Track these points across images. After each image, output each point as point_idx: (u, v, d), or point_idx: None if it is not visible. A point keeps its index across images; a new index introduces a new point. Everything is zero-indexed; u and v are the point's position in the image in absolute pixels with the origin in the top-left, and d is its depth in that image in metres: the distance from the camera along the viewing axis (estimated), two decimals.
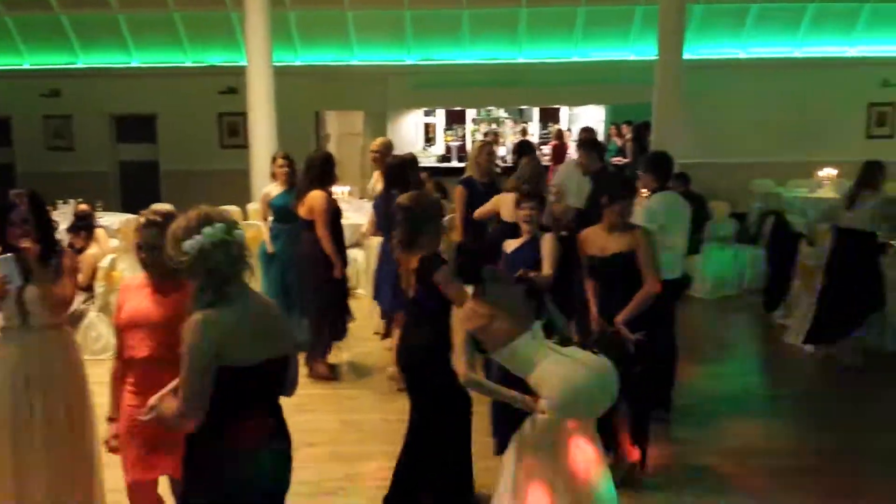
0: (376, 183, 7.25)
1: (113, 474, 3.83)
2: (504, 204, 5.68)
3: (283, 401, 2.89)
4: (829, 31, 13.59)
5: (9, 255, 3.51)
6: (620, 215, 4.44)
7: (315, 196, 6.08)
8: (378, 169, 7.11)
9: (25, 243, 3.56)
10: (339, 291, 6.38)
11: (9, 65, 14.02)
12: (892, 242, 7.10)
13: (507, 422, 4.08)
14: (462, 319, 3.64)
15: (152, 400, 2.98)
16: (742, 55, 13.84)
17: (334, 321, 6.35)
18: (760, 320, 8.16)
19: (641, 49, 13.38)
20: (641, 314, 4.35)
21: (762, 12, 13.32)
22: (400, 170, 6.22)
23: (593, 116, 15.64)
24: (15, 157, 14.37)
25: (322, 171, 6.20)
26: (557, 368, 3.50)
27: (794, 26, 13.58)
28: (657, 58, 10.80)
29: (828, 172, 11.70)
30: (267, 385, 2.77)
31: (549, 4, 13.15)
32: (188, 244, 2.61)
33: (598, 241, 4.51)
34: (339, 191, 9.40)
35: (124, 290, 3.37)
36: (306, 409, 5.74)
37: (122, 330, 3.27)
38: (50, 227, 3.70)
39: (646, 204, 5.36)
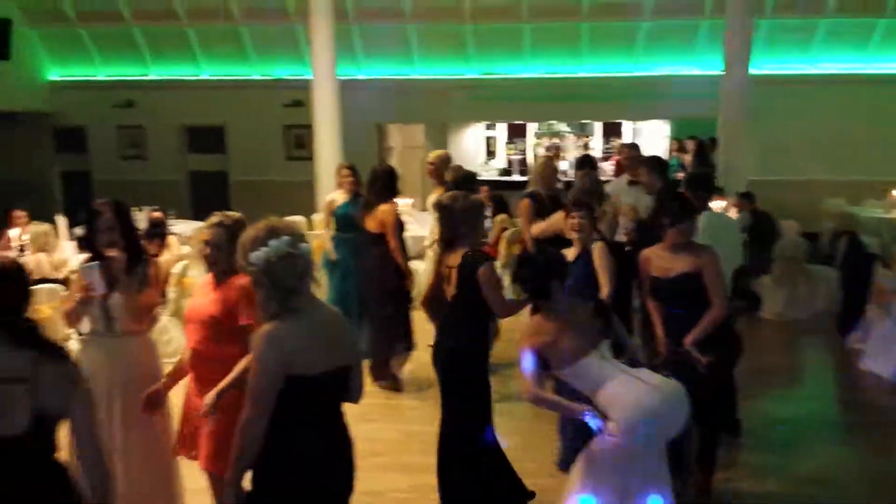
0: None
1: (189, 474, 3.94)
2: (561, 222, 5.67)
3: (347, 410, 2.93)
4: None
5: (95, 263, 3.63)
6: (683, 236, 4.32)
7: (385, 210, 6.18)
8: (434, 180, 7.15)
9: (112, 252, 3.65)
10: (405, 303, 6.45)
11: (85, 76, 14.54)
12: None
13: (574, 438, 4.05)
14: (527, 335, 3.59)
15: (208, 398, 3.25)
16: (811, 70, 13.52)
17: (399, 333, 6.40)
18: (834, 344, 7.90)
19: (706, 63, 13.18)
20: (710, 336, 4.23)
21: (832, 27, 13.00)
22: (464, 183, 6.28)
23: (657, 131, 15.46)
24: (91, 166, 14.87)
25: (387, 184, 6.29)
26: (628, 390, 3.42)
27: (864, 41, 13.21)
28: (722, 72, 10.63)
29: None
30: (332, 393, 2.83)
31: (612, 19, 13.07)
32: (254, 256, 2.69)
33: (662, 261, 4.36)
34: (401, 203, 9.49)
35: (195, 289, 3.63)
36: (370, 419, 5.78)
37: (186, 321, 3.54)
38: (135, 235, 3.80)
39: None
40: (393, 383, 6.47)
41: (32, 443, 2.31)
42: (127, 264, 3.68)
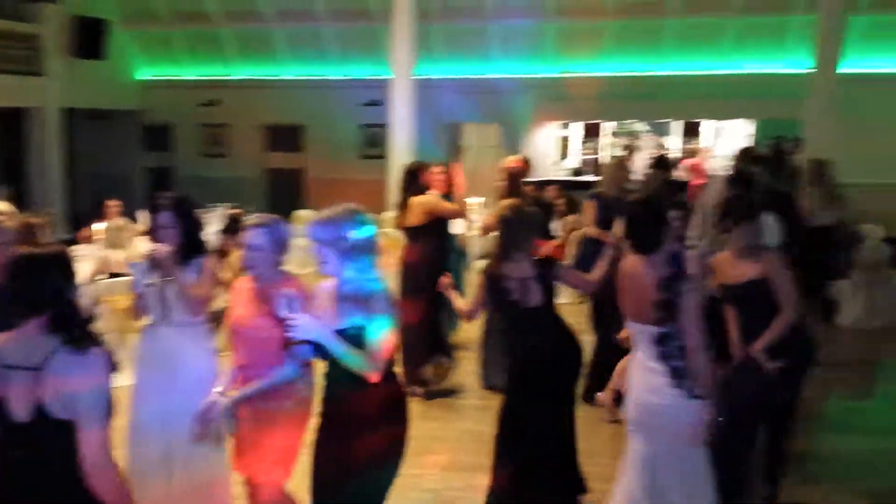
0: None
1: None
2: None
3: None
4: None
5: (139, 262, 3.79)
6: (746, 239, 4.16)
7: (419, 200, 5.99)
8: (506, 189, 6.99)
9: (165, 245, 3.72)
10: (437, 306, 6.05)
11: (172, 75, 15.10)
12: None
13: None
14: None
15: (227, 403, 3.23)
16: None
17: (433, 337, 6.18)
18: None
19: (795, 62, 12.70)
20: (783, 342, 4.07)
21: None
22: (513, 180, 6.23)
23: (740, 131, 14.97)
24: (175, 162, 15.43)
25: (414, 179, 6.12)
26: None
27: None
28: (811, 70, 10.23)
29: None
30: None
31: (698, 15, 12.75)
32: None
33: (730, 267, 4.21)
34: (474, 202, 9.47)
35: (233, 291, 3.52)
36: (429, 417, 5.82)
37: (230, 332, 3.47)
38: (195, 230, 3.84)
39: None
40: (423, 391, 6.22)
41: (36, 434, 2.29)
42: (182, 256, 3.73)
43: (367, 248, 2.94)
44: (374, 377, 2.84)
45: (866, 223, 9.08)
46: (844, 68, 10.42)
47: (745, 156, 6.51)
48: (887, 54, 12.79)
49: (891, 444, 5.45)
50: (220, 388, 3.37)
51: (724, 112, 14.27)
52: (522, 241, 4.04)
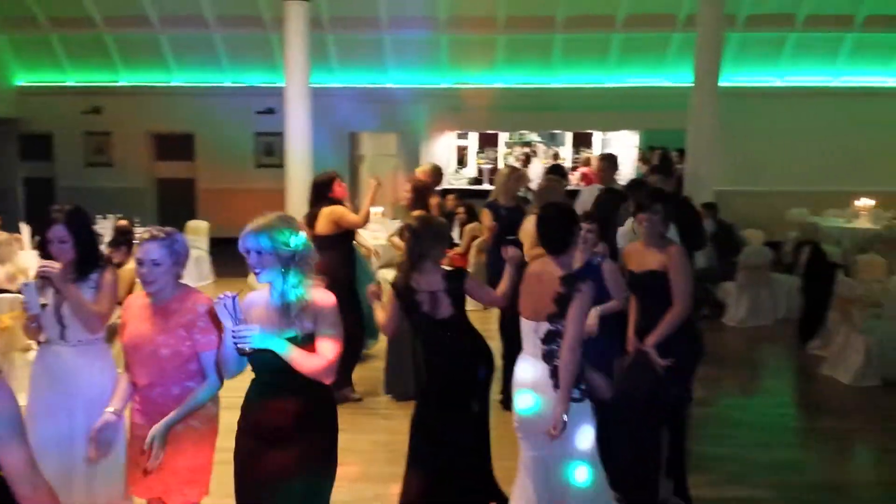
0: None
1: None
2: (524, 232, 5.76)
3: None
4: (867, 60, 13.49)
5: (31, 282, 3.57)
6: (651, 230, 4.32)
7: (327, 210, 6.08)
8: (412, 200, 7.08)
9: (61, 261, 3.55)
10: (357, 310, 6.24)
11: (52, 81, 14.38)
12: None
13: None
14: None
15: (153, 431, 3.09)
16: (779, 83, 13.76)
17: (357, 342, 6.25)
18: (795, 351, 8.05)
19: (677, 75, 13.37)
20: (674, 338, 4.23)
21: (800, 41, 13.27)
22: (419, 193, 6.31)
23: (626, 142, 15.59)
24: (56, 172, 14.68)
25: (325, 190, 6.20)
26: None
27: (832, 55, 13.50)
28: (693, 84, 10.78)
29: (865, 203, 11.58)
30: None
31: (585, 31, 13.21)
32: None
33: (637, 256, 4.41)
34: (372, 211, 9.48)
35: (126, 308, 3.36)
36: (340, 429, 5.76)
37: (125, 352, 3.30)
38: (91, 242, 3.68)
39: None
40: (350, 395, 6.36)
41: None
42: (79, 272, 3.58)
43: (303, 257, 2.95)
44: (328, 380, 2.93)
45: (748, 228, 9.65)
46: (723, 82, 11.02)
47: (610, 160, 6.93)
48: (763, 69, 13.64)
49: (774, 437, 5.80)
50: (112, 408, 3.25)
51: (611, 123, 14.82)
52: (431, 251, 4.07)
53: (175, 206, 14.16)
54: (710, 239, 9.03)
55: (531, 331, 3.68)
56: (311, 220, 6.11)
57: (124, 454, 3.51)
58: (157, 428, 3.10)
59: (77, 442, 3.53)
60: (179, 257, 3.25)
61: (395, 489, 4.73)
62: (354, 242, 6.57)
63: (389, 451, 5.23)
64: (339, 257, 6.07)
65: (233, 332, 2.77)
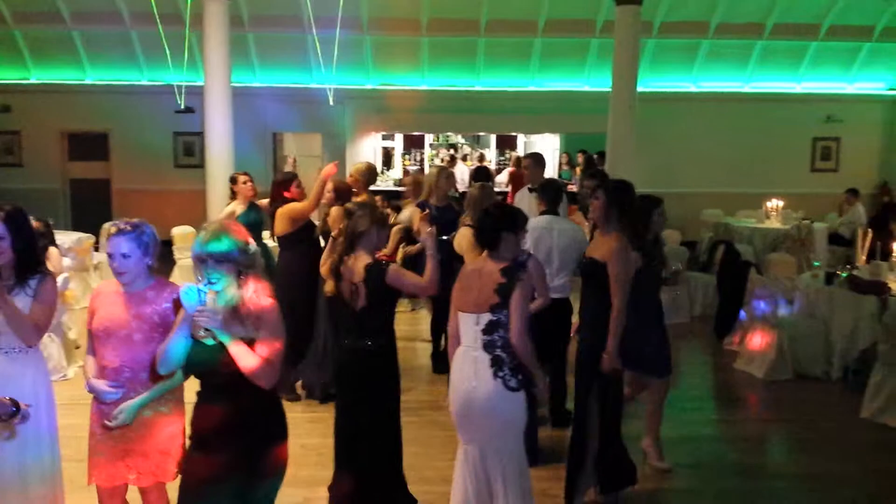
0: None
1: (82, 497, 3.78)
2: (462, 237, 5.81)
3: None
4: (776, 67, 14.10)
5: None
6: (600, 217, 4.39)
7: (284, 209, 6.10)
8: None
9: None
10: (312, 311, 6.25)
11: None
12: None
13: None
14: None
15: (122, 406, 3.17)
16: (693, 89, 14.23)
17: (305, 342, 6.25)
18: (711, 346, 8.34)
19: (596, 80, 13.67)
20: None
21: (713, 48, 13.75)
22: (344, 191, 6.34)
23: (549, 145, 15.86)
24: None
25: (279, 191, 6.28)
26: None
27: (743, 62, 14.04)
28: (611, 89, 11.05)
29: (775, 204, 12.09)
30: None
31: (507, 35, 13.37)
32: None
33: (594, 242, 4.54)
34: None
35: (96, 295, 3.37)
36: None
37: (94, 337, 3.30)
38: (31, 245, 3.49)
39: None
40: (294, 395, 6.36)
41: None
42: (17, 276, 3.42)
43: (247, 263, 2.96)
44: (265, 383, 2.92)
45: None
46: (641, 87, 11.34)
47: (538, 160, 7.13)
48: (678, 74, 14.08)
49: (692, 429, 6.00)
50: (26, 404, 3.15)
51: (534, 126, 15.09)
52: (366, 236, 4.10)
53: (89, 207, 13.73)
54: None
55: (472, 323, 3.68)
56: (272, 220, 6.22)
57: (59, 459, 3.55)
58: (127, 404, 3.18)
59: (6, 452, 3.39)
60: (149, 248, 3.26)
61: (321, 492, 4.72)
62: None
63: (318, 454, 5.18)
64: (297, 256, 6.11)
65: (198, 310, 2.81)
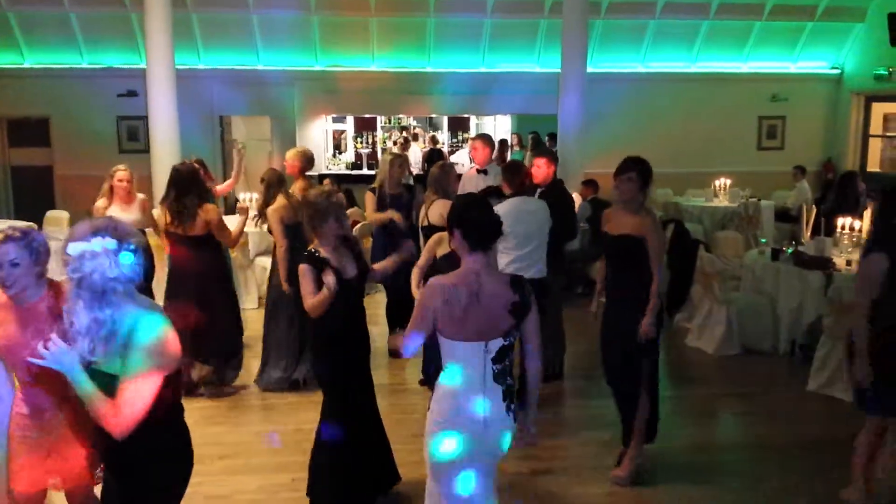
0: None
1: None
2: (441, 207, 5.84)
3: (194, 413, 2.85)
4: (722, 47, 14.27)
5: None
6: (624, 195, 4.49)
7: (209, 209, 5.84)
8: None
9: None
10: (233, 307, 6.33)
11: None
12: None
13: None
14: None
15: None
16: (641, 69, 14.35)
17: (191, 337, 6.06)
18: (663, 323, 8.42)
19: (546, 61, 13.69)
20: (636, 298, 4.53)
21: (659, 28, 13.85)
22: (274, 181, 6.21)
23: (500, 126, 15.89)
24: None
25: (196, 185, 5.89)
26: None
27: (689, 42, 14.18)
28: (561, 70, 11.06)
29: (722, 182, 12.29)
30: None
31: (456, 14, 13.28)
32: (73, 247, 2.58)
33: (615, 217, 4.59)
34: (248, 196, 9.24)
35: None
36: (216, 422, 5.61)
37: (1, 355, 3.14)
38: None
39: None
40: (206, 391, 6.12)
41: None
42: None
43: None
44: (118, 432, 2.51)
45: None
46: (590, 67, 11.37)
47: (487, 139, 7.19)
48: (626, 55, 14.17)
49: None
50: None
51: (485, 108, 15.06)
52: (321, 228, 4.09)
53: (32, 195, 13.33)
54: (586, 221, 9.33)
55: (480, 352, 3.07)
56: (181, 216, 5.79)
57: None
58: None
59: None
60: (39, 256, 3.03)
61: (280, 479, 4.68)
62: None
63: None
64: (210, 255, 5.95)
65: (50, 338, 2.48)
